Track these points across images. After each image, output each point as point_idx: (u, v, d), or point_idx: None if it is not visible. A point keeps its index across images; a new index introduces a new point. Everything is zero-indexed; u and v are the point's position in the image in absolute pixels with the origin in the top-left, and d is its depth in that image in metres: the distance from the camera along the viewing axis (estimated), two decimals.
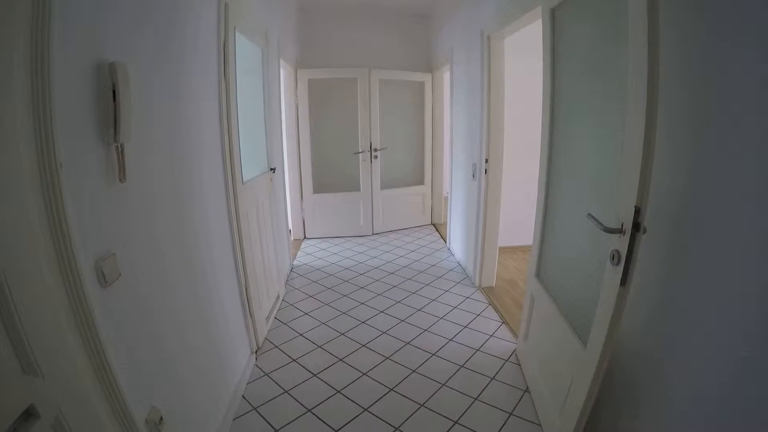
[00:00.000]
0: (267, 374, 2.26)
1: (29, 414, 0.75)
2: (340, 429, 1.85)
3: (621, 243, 1.21)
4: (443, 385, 2.15)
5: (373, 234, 5.06)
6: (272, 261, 2.99)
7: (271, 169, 3.07)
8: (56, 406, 0.81)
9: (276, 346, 2.55)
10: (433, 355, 2.43)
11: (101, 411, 0.97)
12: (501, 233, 3.34)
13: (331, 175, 4.90)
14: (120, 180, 1.10)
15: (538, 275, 2.08)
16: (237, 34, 2.21)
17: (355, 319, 2.89)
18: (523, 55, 3.59)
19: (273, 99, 3.24)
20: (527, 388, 2.09)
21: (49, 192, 0.86)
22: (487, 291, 3.32)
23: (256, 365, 2.34)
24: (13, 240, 0.77)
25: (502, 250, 3.84)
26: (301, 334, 2.69)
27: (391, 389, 2.12)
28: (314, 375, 2.25)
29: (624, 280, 1.20)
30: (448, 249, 4.43)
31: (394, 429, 1.84)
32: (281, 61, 3.63)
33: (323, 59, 4.83)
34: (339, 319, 2.90)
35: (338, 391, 2.11)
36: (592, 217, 1.36)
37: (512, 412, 1.93)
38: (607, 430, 1.54)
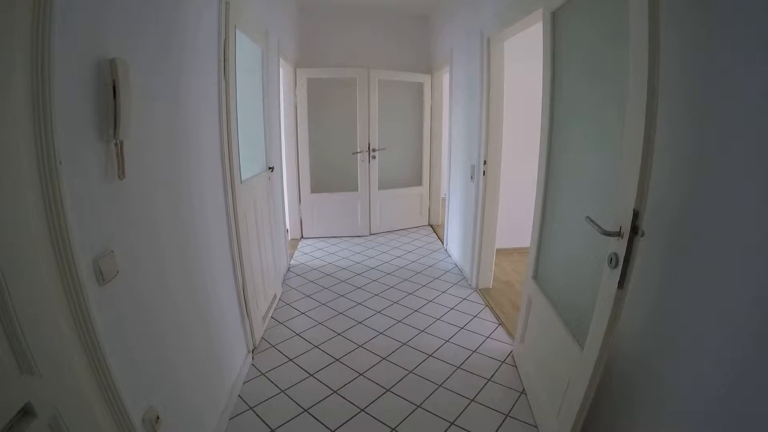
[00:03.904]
0: (263, 374, 2.25)
1: (26, 412, 0.74)
2: (336, 429, 1.84)
3: (619, 246, 1.21)
4: (440, 386, 2.15)
5: (370, 234, 5.06)
6: (269, 260, 2.98)
7: (270, 168, 3.07)
8: (53, 405, 0.81)
9: (273, 346, 2.54)
10: (430, 356, 2.43)
11: (98, 410, 0.97)
12: (498, 235, 3.35)
13: (329, 174, 4.89)
14: (119, 177, 1.10)
15: (535, 277, 2.09)
16: (237, 32, 2.20)
17: (352, 319, 2.89)
18: (523, 56, 3.60)
19: (272, 98, 3.23)
20: (523, 389, 2.10)
21: (48, 189, 0.85)
22: (484, 292, 3.32)
23: (253, 365, 2.33)
24: (12, 238, 0.76)
25: (500, 251, 3.85)
26: (297, 334, 2.69)
27: (387, 390, 2.12)
28: (311, 375, 2.24)
29: (621, 283, 1.20)
30: (446, 250, 4.44)
31: (390, 429, 1.84)
32: (281, 60, 3.63)
33: (323, 59, 4.83)
34: (336, 319, 2.90)
35: (335, 391, 2.10)
36: (591, 219, 1.37)
37: (508, 413, 1.94)
38: None
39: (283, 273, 3.64)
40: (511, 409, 1.97)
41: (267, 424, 1.87)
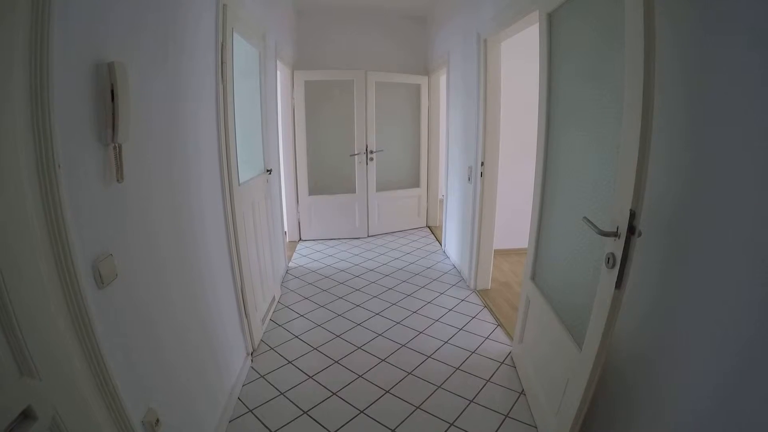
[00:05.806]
0: (263, 376, 2.25)
1: (26, 415, 0.74)
2: (336, 431, 1.84)
3: (616, 246, 1.22)
4: (439, 387, 2.15)
5: (368, 236, 5.06)
6: (268, 262, 2.98)
7: (267, 171, 3.07)
8: (53, 408, 0.81)
9: (272, 348, 2.54)
10: (429, 357, 2.43)
11: (98, 412, 0.97)
12: (496, 236, 3.36)
13: (326, 176, 4.89)
14: (117, 180, 1.10)
15: (533, 278, 2.09)
16: (235, 35, 2.21)
17: (351, 321, 2.89)
18: (520, 57, 3.62)
19: (270, 100, 3.23)
20: (522, 390, 2.10)
21: (47, 193, 0.85)
22: (483, 293, 3.33)
23: (252, 367, 2.33)
24: (11, 241, 0.76)
25: (498, 252, 3.86)
26: (296, 336, 2.69)
27: (386, 391, 2.12)
28: (310, 377, 2.24)
29: (619, 283, 1.21)
30: (444, 251, 4.44)
31: (390, 431, 1.84)
32: (278, 62, 3.63)
33: (320, 61, 4.83)
34: (334, 321, 2.90)
35: (334, 393, 2.10)
36: (588, 220, 1.37)
37: (508, 414, 1.94)
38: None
39: (281, 275, 3.64)
40: (511, 409, 1.97)
41: (266, 427, 1.87)
